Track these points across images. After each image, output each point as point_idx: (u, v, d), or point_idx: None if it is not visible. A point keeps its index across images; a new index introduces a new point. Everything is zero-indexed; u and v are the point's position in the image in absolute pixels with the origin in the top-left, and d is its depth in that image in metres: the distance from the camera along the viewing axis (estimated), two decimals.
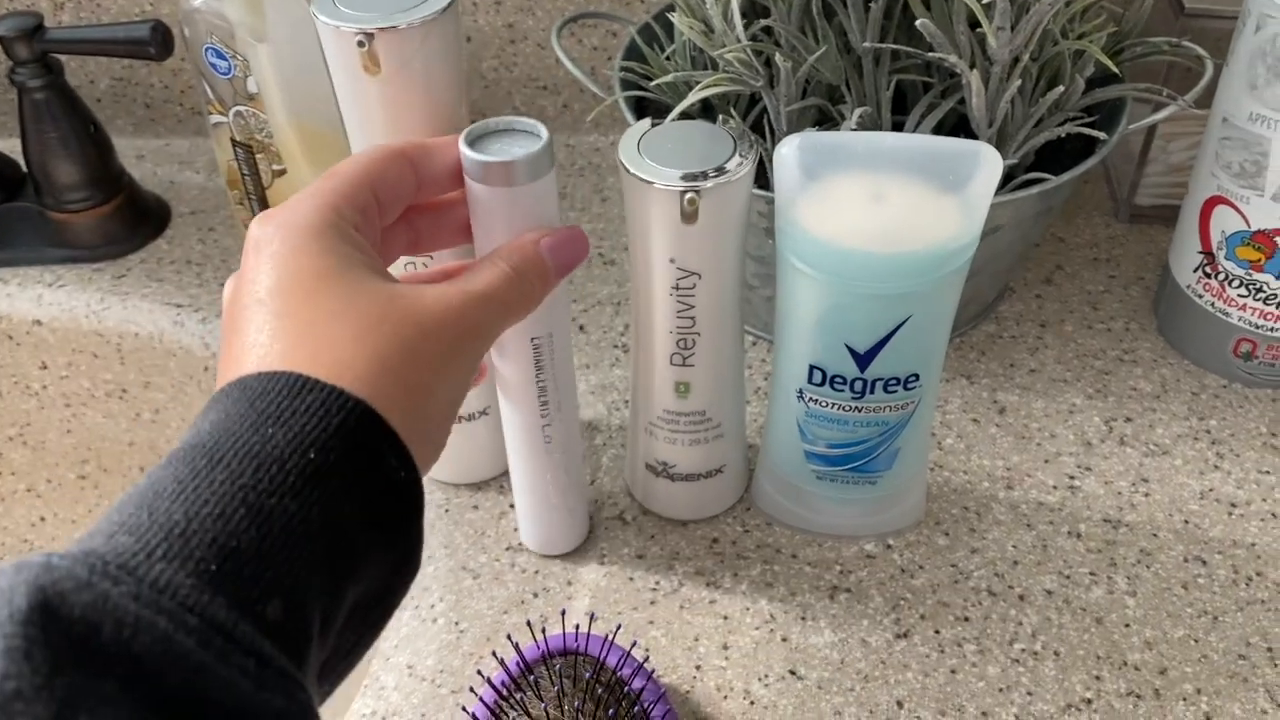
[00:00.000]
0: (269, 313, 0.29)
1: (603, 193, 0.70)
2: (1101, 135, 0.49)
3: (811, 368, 0.43)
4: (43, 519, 0.71)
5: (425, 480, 0.51)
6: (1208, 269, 0.54)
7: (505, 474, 0.52)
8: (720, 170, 0.39)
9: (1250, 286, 0.53)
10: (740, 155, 0.40)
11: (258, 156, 0.60)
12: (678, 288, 0.42)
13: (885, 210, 0.39)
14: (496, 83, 0.73)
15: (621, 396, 0.57)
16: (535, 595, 0.48)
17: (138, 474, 0.69)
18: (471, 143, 0.38)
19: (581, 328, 0.61)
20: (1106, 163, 0.69)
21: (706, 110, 0.54)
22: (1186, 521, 0.50)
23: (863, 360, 0.42)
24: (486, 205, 0.39)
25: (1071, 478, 0.52)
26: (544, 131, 0.38)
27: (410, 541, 0.29)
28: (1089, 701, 0.43)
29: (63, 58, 0.64)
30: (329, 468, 0.26)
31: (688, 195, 0.39)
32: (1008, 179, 0.52)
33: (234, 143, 0.60)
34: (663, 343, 0.44)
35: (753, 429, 0.54)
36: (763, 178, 0.50)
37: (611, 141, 0.74)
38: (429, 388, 0.30)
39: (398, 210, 0.36)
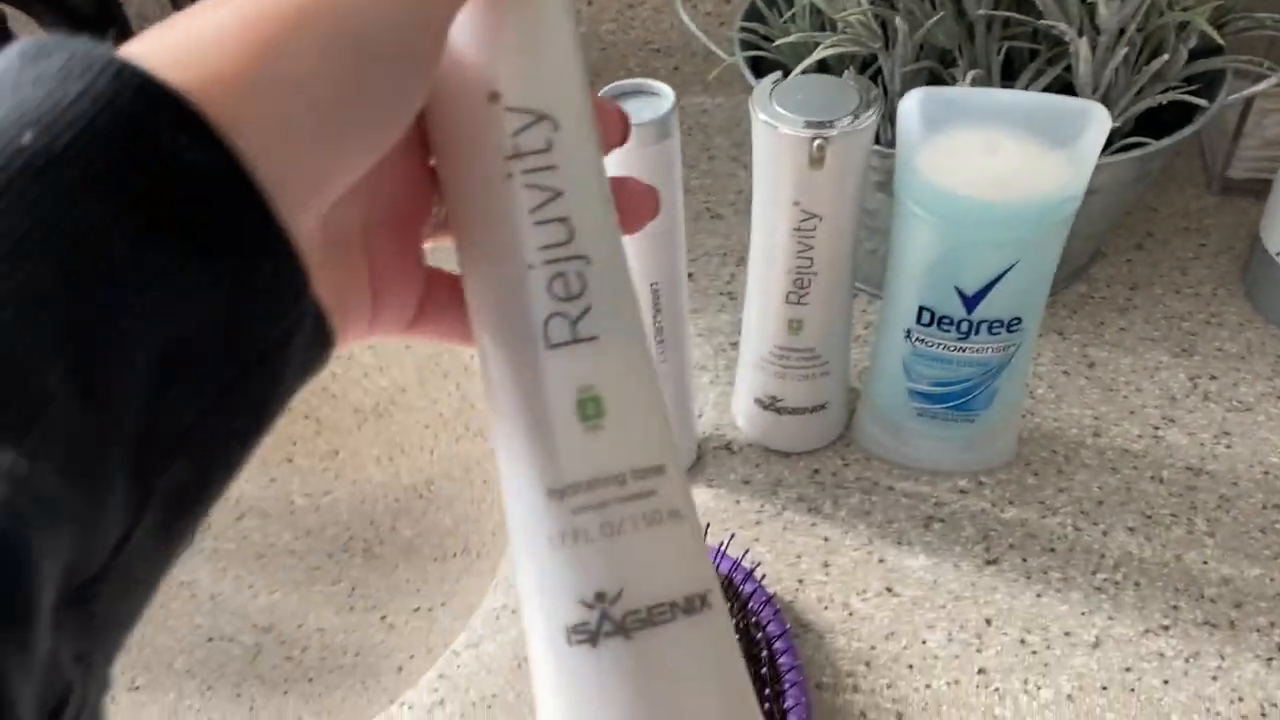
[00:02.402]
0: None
1: (710, 151, 0.74)
2: (1202, 102, 0.52)
3: (921, 309, 0.47)
4: None
5: None
6: None
7: None
8: (848, 119, 0.43)
9: None
10: (866, 107, 0.43)
11: None
12: (799, 229, 0.46)
13: (999, 162, 0.42)
14: (613, 45, 0.77)
15: (728, 339, 0.61)
16: None
17: None
18: None
19: (691, 276, 0.65)
20: (1201, 136, 0.72)
21: (823, 70, 0.58)
22: (1267, 473, 0.53)
23: (970, 302, 0.45)
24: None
25: (1156, 428, 0.55)
26: (670, 93, 0.42)
27: (248, 243, 0.19)
28: (1166, 628, 0.47)
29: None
30: (56, 152, 0.17)
31: (816, 142, 0.43)
32: (1107, 144, 0.54)
33: None
34: (780, 281, 0.48)
35: (853, 374, 0.57)
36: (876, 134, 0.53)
37: (719, 103, 0.77)
38: (292, 81, 0.19)
39: None
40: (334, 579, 0.69)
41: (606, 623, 0.22)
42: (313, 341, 0.21)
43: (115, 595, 0.18)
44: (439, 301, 0.27)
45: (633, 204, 0.28)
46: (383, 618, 0.65)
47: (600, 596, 0.23)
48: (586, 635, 0.22)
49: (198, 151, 0.18)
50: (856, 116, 0.43)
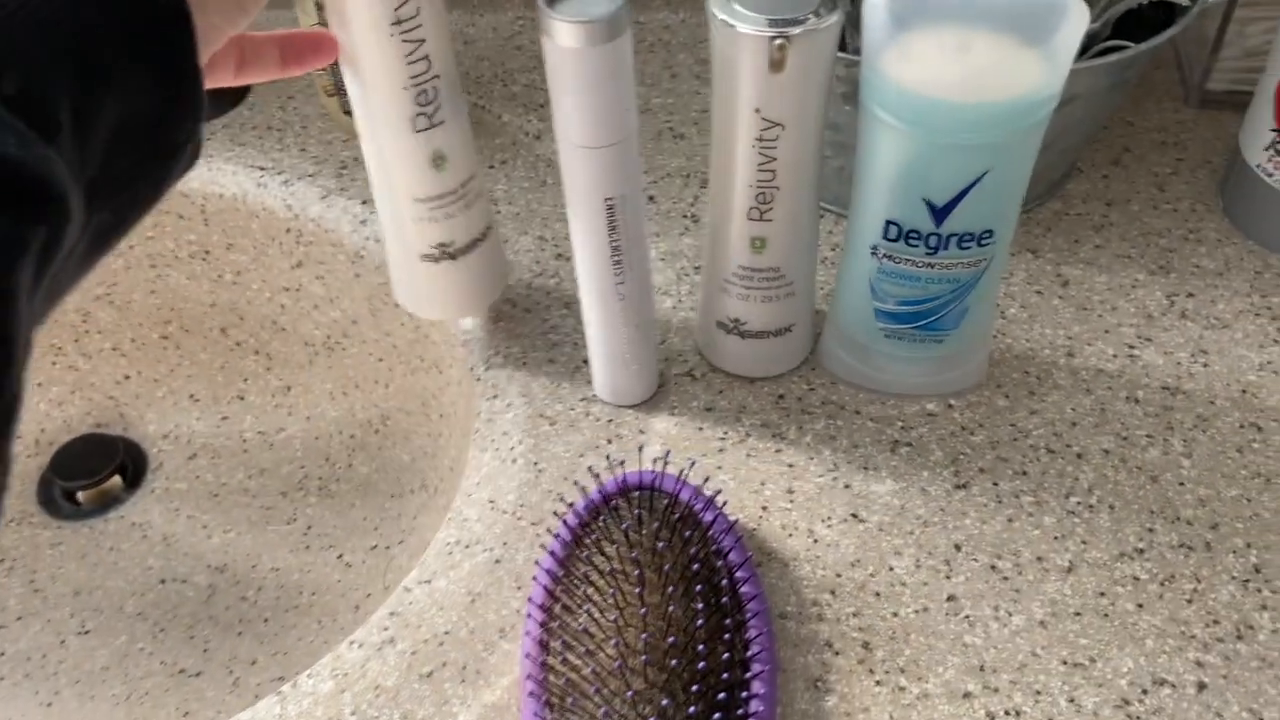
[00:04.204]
0: None
1: (672, 69, 0.71)
2: (1184, 2, 0.49)
3: (888, 223, 0.44)
4: (127, 377, 0.74)
5: (502, 330, 0.53)
6: (1279, 147, 0.55)
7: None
8: (810, 18, 0.40)
9: None
10: (830, 5, 0.41)
11: None
12: (760, 139, 0.43)
13: (970, 60, 0.40)
14: None
15: (691, 263, 0.59)
16: (609, 441, 0.50)
17: (219, 335, 0.72)
18: (550, 2, 0.39)
19: (651, 198, 0.63)
20: (1179, 48, 0.69)
21: None
22: (1244, 391, 0.51)
23: (940, 214, 0.43)
24: (562, 65, 0.40)
25: (1131, 347, 0.53)
26: None
27: (179, 67, 0.29)
28: (1141, 551, 0.45)
29: None
30: None
31: (777, 42, 0.40)
32: (1085, 49, 0.52)
33: (318, 7, 0.61)
34: (741, 196, 0.46)
35: (818, 296, 0.55)
36: (841, 42, 0.50)
37: (682, 19, 0.74)
38: None
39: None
40: (289, 518, 0.67)
41: (445, 257, 0.49)
42: (195, 149, 0.31)
43: (42, 299, 0.26)
44: (252, 57, 0.40)
45: (301, 49, 0.42)
46: (339, 556, 0.63)
47: (443, 245, 0.49)
48: (433, 260, 0.49)
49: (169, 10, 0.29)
50: (819, 15, 0.40)
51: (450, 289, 0.52)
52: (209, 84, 0.36)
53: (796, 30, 0.40)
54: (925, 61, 0.40)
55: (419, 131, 0.45)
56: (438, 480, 0.60)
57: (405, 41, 0.42)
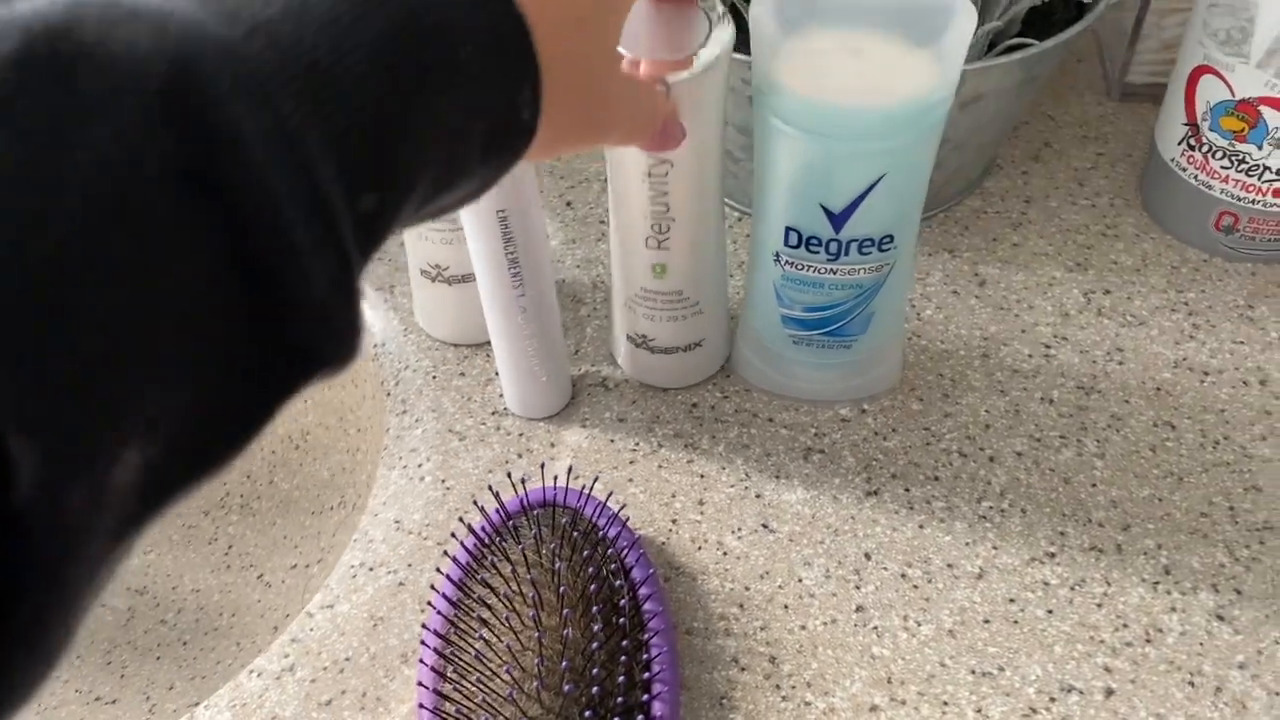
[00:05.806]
0: None
1: None
2: None
3: (788, 230, 0.44)
4: None
5: (413, 342, 0.52)
6: (1192, 141, 0.54)
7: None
8: (693, 59, 0.39)
9: (1233, 158, 0.53)
10: (712, 42, 0.39)
11: None
12: (651, 174, 0.42)
13: (861, 65, 0.39)
14: None
15: (606, 270, 0.58)
16: (519, 455, 0.49)
17: None
18: None
19: (568, 204, 0.62)
20: (1099, 40, 0.69)
21: None
22: (1159, 389, 0.51)
23: (838, 220, 0.42)
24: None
25: (1047, 346, 0.53)
26: None
27: (501, 174, 0.27)
28: (1052, 555, 0.45)
29: None
30: (466, 70, 0.23)
31: (659, 88, 0.39)
32: (992, 45, 0.51)
33: None
34: (639, 226, 0.45)
35: (737, 300, 0.55)
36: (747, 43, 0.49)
37: None
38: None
39: None
40: (210, 537, 0.65)
41: (440, 280, 0.51)
42: None
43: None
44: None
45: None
46: (259, 576, 0.62)
47: (437, 267, 0.51)
48: (429, 278, 0.51)
49: (526, 110, 0.25)
50: (701, 55, 0.39)
51: (440, 310, 0.54)
52: None
53: (683, 75, 0.39)
54: (815, 67, 0.39)
55: None
56: (355, 497, 0.59)
57: None
